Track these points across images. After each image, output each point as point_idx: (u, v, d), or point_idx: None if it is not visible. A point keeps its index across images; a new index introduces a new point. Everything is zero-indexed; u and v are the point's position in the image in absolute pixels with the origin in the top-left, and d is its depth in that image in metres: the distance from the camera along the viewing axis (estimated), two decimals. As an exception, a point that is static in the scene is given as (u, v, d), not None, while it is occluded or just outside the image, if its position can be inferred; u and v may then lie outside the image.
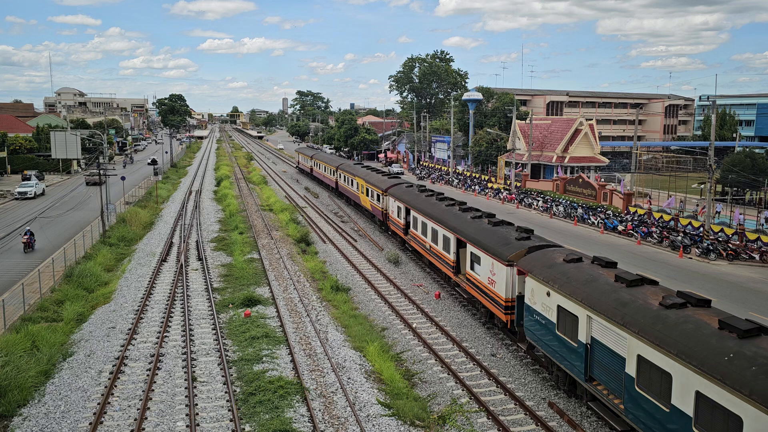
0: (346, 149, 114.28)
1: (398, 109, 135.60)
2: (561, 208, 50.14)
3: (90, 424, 15.55)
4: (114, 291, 27.09)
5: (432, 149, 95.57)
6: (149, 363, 19.42)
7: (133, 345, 20.98)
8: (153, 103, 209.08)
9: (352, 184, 49.34)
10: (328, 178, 60.68)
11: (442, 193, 32.20)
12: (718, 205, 46.36)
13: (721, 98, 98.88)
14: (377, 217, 41.12)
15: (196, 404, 16.69)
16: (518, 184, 60.91)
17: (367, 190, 43.08)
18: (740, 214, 41.18)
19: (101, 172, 39.80)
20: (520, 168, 64.26)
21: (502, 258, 20.42)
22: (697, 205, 45.76)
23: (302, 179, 77.94)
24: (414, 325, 23.33)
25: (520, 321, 19.61)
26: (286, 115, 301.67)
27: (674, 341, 12.34)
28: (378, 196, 39.64)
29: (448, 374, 19.23)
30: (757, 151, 66.68)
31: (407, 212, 33.31)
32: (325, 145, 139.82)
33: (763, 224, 40.39)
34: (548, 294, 17.10)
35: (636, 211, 44.63)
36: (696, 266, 33.69)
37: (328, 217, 47.70)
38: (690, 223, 39.25)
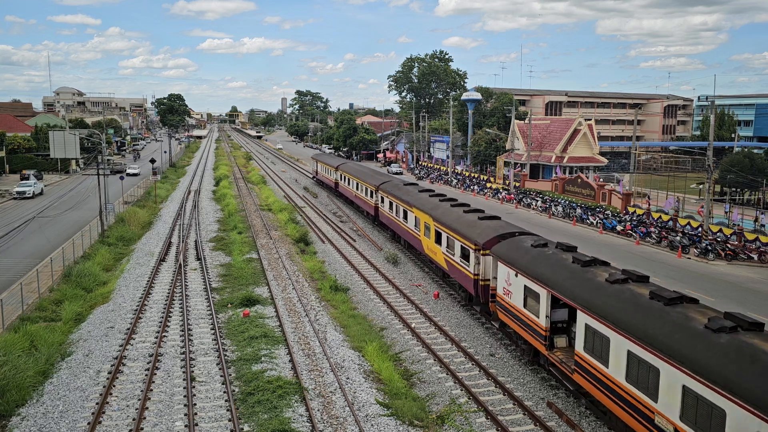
0: (345, 149, 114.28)
1: (397, 109, 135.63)
2: (560, 208, 50.18)
3: (88, 424, 15.53)
4: (113, 291, 27.07)
5: (431, 149, 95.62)
6: (148, 363, 19.40)
7: (132, 345, 20.96)
8: (152, 103, 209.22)
9: (404, 218, 33.58)
10: (363, 200, 44.93)
11: (646, 278, 15.99)
12: (726, 206, 46.24)
13: (719, 98, 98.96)
14: (460, 282, 24.92)
15: (195, 404, 16.68)
16: (517, 184, 60.93)
17: (439, 234, 27.29)
18: (738, 214, 41.25)
19: (100, 170, 39.78)
20: (519, 168, 64.28)
21: None
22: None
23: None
24: (413, 325, 23.33)
25: None
26: (285, 115, 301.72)
27: None
28: (465, 250, 23.65)
29: (447, 374, 19.23)
30: (755, 151, 66.73)
31: (555, 304, 17.63)
32: (324, 145, 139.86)
33: (763, 225, 40.40)
34: None
35: (635, 211, 44.68)
36: (694, 266, 33.73)
37: (327, 216, 47.66)
38: (689, 223, 39.30)
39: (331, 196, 60.01)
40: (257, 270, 30.91)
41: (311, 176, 75.07)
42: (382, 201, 38.88)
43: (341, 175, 53.81)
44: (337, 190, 56.49)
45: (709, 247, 35.44)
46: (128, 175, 71.91)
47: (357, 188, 47.04)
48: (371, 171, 49.30)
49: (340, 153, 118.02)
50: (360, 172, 48.84)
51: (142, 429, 15.40)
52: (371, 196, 41.97)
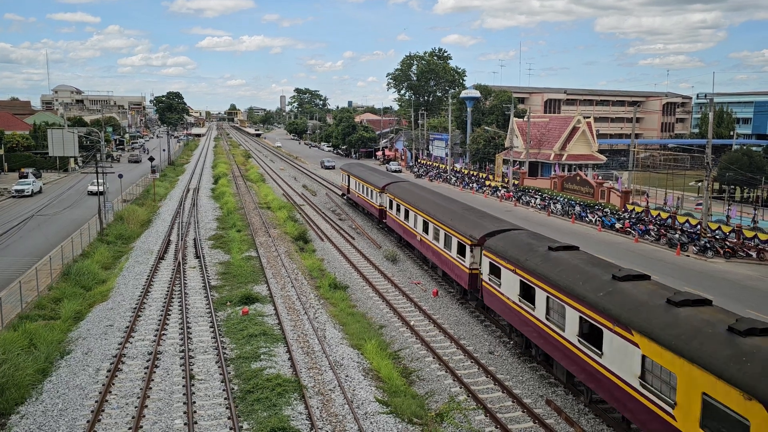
0: (344, 147, 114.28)
1: (396, 107, 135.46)
2: (559, 206, 50.23)
3: (88, 422, 15.53)
4: (112, 289, 27.05)
5: (430, 147, 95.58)
6: (147, 361, 19.40)
7: (131, 343, 20.96)
8: (150, 101, 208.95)
9: (589, 339, 15.80)
10: (442, 254, 27.19)
11: None
12: (734, 208, 45.95)
13: (718, 96, 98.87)
14: None
15: (194, 402, 16.68)
16: (516, 182, 60.95)
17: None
18: (738, 213, 41.28)
19: (99, 168, 39.78)
20: (518, 166, 64.30)
21: None
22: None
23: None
24: (412, 323, 23.35)
25: None
26: (284, 113, 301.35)
27: None
28: None
29: (446, 372, 19.25)
30: (754, 149, 66.83)
31: None
32: (323, 143, 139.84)
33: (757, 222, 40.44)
34: None
35: (633, 209, 44.71)
36: (693, 264, 33.77)
37: (326, 215, 47.67)
38: (687, 221, 39.35)
39: (372, 225, 43.43)
40: (256, 268, 30.91)
41: (340, 193, 57.92)
42: (495, 271, 21.35)
43: (391, 202, 36.32)
44: (382, 221, 39.72)
45: (708, 245, 35.48)
46: (91, 193, 53.07)
47: (427, 231, 29.27)
48: (458, 206, 29.44)
49: (339, 151, 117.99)
50: (434, 204, 30.31)
51: (141, 427, 15.41)
52: (462, 254, 24.60)
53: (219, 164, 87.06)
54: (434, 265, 29.83)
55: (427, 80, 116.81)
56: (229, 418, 15.74)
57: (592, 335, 15.70)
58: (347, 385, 17.70)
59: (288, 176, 78.17)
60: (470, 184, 66.85)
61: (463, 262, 24.55)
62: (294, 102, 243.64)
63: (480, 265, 23.10)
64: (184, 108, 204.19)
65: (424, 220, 29.83)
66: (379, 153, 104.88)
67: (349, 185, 50.38)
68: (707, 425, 11.47)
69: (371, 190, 41.69)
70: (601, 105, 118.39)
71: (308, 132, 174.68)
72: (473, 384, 18.32)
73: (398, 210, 35.06)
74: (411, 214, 32.17)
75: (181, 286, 27.42)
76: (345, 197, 54.02)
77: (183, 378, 18.15)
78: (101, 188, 50.42)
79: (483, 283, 22.79)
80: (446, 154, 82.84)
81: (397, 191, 35.94)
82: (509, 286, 20.23)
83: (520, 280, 19.37)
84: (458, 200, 33.18)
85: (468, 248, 23.88)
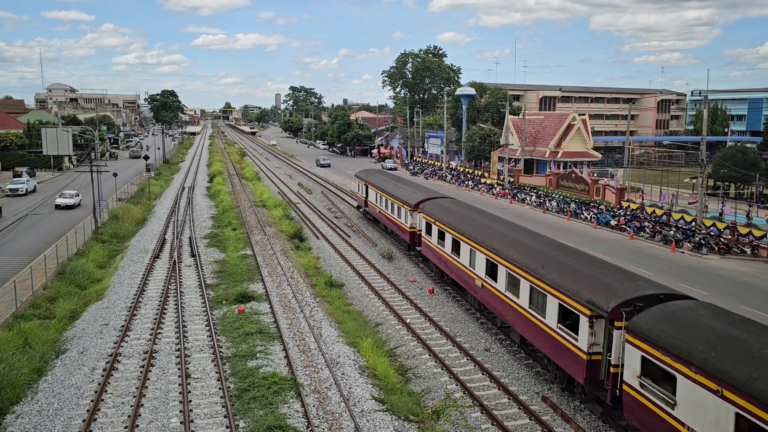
0: (339, 145, 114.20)
1: (391, 105, 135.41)
2: (554, 203, 50.32)
3: (83, 421, 15.50)
4: (107, 288, 26.98)
5: (425, 145, 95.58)
6: (143, 360, 19.36)
7: (127, 342, 20.91)
8: (145, 99, 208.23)
9: None
10: (517, 309, 19.07)
11: None
12: (728, 205, 46.04)
13: (712, 93, 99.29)
14: None
15: (190, 401, 16.66)
16: (511, 180, 61.03)
17: None
18: (732, 209, 41.46)
19: (94, 166, 39.63)
20: (513, 163, 64.39)
21: None
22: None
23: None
24: (408, 321, 23.36)
25: None
26: (279, 111, 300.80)
27: None
28: None
29: (442, 369, 19.27)
30: (748, 145, 67.02)
31: None
32: (318, 141, 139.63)
33: (753, 218, 40.60)
34: None
35: (629, 206, 44.84)
36: (688, 260, 33.90)
37: (322, 212, 47.62)
38: (682, 218, 39.50)
39: (401, 251, 34.64)
40: (252, 266, 30.87)
41: (356, 206, 49.04)
42: (662, 379, 12.73)
43: (430, 226, 28.44)
44: (414, 247, 31.91)
45: (703, 242, 35.62)
46: (58, 207, 46.80)
47: (494, 276, 20.97)
48: (539, 241, 20.90)
49: (335, 149, 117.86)
50: (502, 236, 21.74)
51: (137, 426, 15.38)
52: (574, 328, 15.77)
53: (214, 162, 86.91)
54: (503, 323, 21.37)
55: (423, 78, 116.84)
56: (225, 417, 15.73)
57: None
58: (343, 383, 17.71)
59: (283, 174, 78.04)
60: (466, 182, 66.89)
61: (574, 342, 15.67)
62: (289, 100, 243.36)
63: (612, 352, 14.35)
64: (179, 106, 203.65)
65: (488, 260, 21.33)
66: (375, 151, 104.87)
67: (367, 197, 41.66)
68: None
69: (399, 207, 33.54)
70: (596, 102, 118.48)
71: (303, 130, 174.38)
72: (469, 381, 18.35)
73: (441, 238, 26.75)
74: (464, 247, 23.79)
75: (177, 284, 27.37)
76: (362, 210, 44.70)
77: (179, 377, 18.12)
78: (75, 201, 46.97)
79: (625, 388, 13.76)
80: (442, 152, 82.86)
81: (438, 212, 27.62)
82: (706, 416, 11.51)
83: (737, 413, 10.81)
84: (533, 230, 24.00)
85: (586, 322, 15.04)
